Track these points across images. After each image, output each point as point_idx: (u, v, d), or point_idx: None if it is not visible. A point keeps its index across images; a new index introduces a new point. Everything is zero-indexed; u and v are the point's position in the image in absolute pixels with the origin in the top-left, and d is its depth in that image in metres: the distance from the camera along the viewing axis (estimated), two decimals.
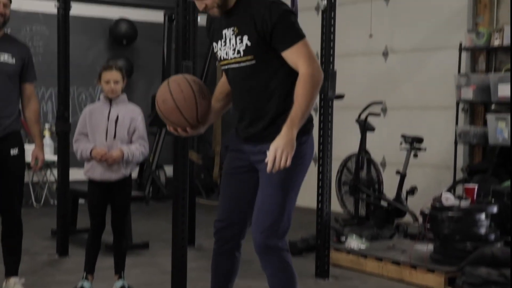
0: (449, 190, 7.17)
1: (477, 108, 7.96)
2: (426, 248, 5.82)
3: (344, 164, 7.95)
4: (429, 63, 8.41)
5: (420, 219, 6.36)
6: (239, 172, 3.68)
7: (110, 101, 5.07)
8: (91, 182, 5.10)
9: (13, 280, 5.05)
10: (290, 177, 3.53)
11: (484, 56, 7.83)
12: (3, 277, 5.10)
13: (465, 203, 5.66)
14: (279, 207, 3.53)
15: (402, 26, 8.71)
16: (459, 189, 7.31)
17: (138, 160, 5.15)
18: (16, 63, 4.90)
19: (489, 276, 5.15)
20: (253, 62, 3.50)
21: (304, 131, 3.53)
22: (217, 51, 3.66)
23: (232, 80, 3.64)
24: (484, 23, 7.83)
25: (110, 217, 5.12)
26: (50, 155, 8.69)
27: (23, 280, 5.12)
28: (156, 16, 9.75)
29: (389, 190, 7.50)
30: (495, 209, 5.69)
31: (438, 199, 5.76)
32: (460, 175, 7.82)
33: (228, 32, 3.55)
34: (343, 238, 6.42)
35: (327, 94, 5.58)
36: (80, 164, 5.25)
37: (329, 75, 5.52)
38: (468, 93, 7.61)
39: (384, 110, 8.78)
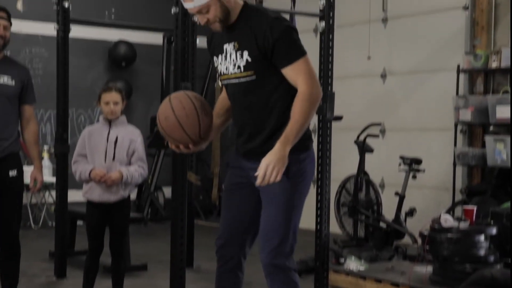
0: (448, 211, 7.16)
1: (475, 130, 7.97)
2: (425, 269, 5.80)
3: (343, 186, 7.95)
4: (427, 85, 8.44)
5: (419, 241, 6.34)
6: (239, 188, 3.68)
7: (109, 122, 5.07)
8: (90, 204, 5.09)
9: None
10: (293, 195, 3.52)
11: (482, 78, 7.85)
12: None
13: (464, 225, 5.65)
14: (284, 226, 3.52)
15: (400, 48, 8.74)
16: (458, 211, 7.30)
17: (137, 182, 5.14)
18: (16, 85, 4.92)
19: None
20: (253, 77, 3.50)
21: (303, 148, 3.54)
22: (217, 66, 3.66)
23: (232, 95, 3.64)
24: (482, 46, 7.86)
25: (108, 239, 5.11)
26: (48, 177, 8.68)
27: None
28: (155, 38, 9.79)
29: (388, 211, 7.49)
30: (494, 231, 5.68)
31: (437, 220, 5.75)
32: (459, 197, 7.82)
33: (228, 47, 3.55)
34: (342, 260, 6.40)
35: (326, 116, 5.59)
36: (78, 185, 5.25)
37: (328, 97, 5.53)
38: (466, 115, 7.63)
39: (383, 132, 8.79)
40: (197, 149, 3.64)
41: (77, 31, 6.77)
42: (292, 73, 3.44)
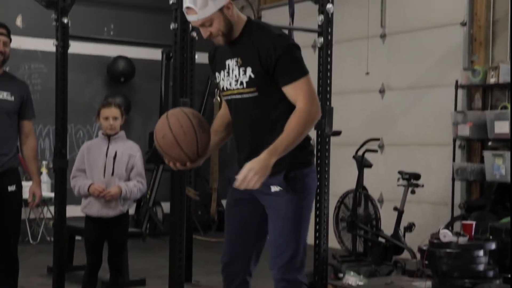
0: (447, 226, 7.16)
1: (474, 145, 7.98)
2: (425, 285, 5.80)
3: (341, 201, 7.94)
4: (426, 100, 8.45)
5: (418, 256, 6.34)
6: (242, 204, 3.65)
7: (108, 138, 5.08)
8: (88, 219, 5.10)
9: None
10: (300, 210, 3.51)
11: (480, 94, 7.87)
12: None
13: (463, 240, 5.64)
14: (293, 241, 3.50)
15: (399, 63, 8.76)
16: (457, 226, 7.29)
17: (136, 197, 5.15)
18: (15, 100, 4.93)
19: None
20: (256, 94, 3.49)
21: (306, 162, 3.54)
22: (219, 81, 3.64)
23: (234, 110, 3.62)
24: (480, 61, 7.88)
25: (107, 254, 5.10)
26: (47, 192, 8.68)
27: None
28: (154, 54, 9.81)
29: (387, 226, 7.49)
30: (493, 246, 5.68)
31: (436, 235, 5.75)
32: (457, 212, 7.81)
33: (231, 63, 3.54)
34: (340, 275, 6.39)
35: (324, 131, 5.60)
36: (77, 200, 5.25)
37: (326, 112, 5.55)
38: (465, 130, 7.65)
39: (381, 147, 8.80)
40: (194, 166, 3.61)
41: (76, 47, 6.79)
42: (293, 91, 3.43)
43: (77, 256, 7.17)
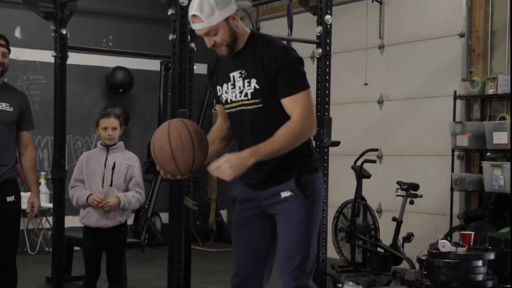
0: (445, 236, 7.15)
1: (473, 156, 7.99)
2: None
3: (340, 211, 7.94)
4: (424, 111, 8.46)
5: (417, 266, 6.34)
6: (251, 221, 3.62)
7: (107, 148, 5.08)
8: (87, 229, 5.09)
9: None
10: (311, 215, 3.50)
11: (479, 104, 7.89)
12: None
13: (462, 250, 5.65)
14: (304, 245, 3.48)
15: (397, 74, 8.78)
16: (456, 236, 7.30)
17: (134, 207, 5.15)
18: (14, 111, 4.94)
19: None
20: (260, 105, 3.48)
21: (314, 169, 3.55)
22: (221, 94, 3.61)
23: (238, 122, 3.59)
24: (478, 72, 7.90)
25: (105, 264, 5.10)
26: (45, 203, 8.66)
27: None
28: (152, 64, 9.83)
29: (386, 236, 7.48)
30: (492, 256, 5.68)
31: (434, 245, 5.75)
32: (456, 222, 7.81)
33: (235, 75, 3.53)
34: (339, 285, 6.38)
35: (323, 141, 5.60)
36: (75, 211, 5.25)
37: (325, 122, 5.55)
38: (464, 141, 7.66)
39: (380, 157, 8.80)
40: (184, 178, 3.59)
41: (74, 58, 6.80)
42: (290, 103, 3.42)
43: (75, 267, 7.16)
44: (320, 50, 5.61)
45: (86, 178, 5.08)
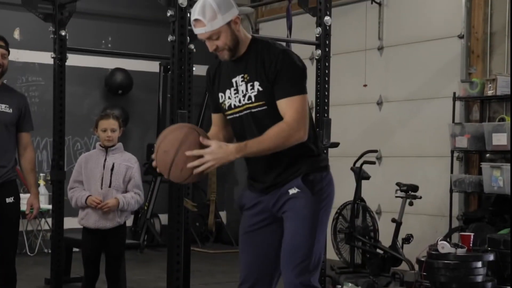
0: (445, 238, 7.15)
1: (472, 157, 7.99)
2: None
3: (339, 212, 7.94)
4: (423, 112, 8.47)
5: (416, 267, 6.34)
6: (260, 227, 3.61)
7: (106, 149, 5.08)
8: (86, 230, 5.09)
9: None
10: (318, 211, 3.49)
11: (478, 106, 7.89)
12: None
13: (461, 251, 5.65)
14: (308, 242, 3.47)
15: (396, 75, 8.78)
16: (455, 237, 7.30)
17: (133, 209, 5.15)
18: (13, 112, 4.94)
19: None
20: (265, 107, 3.48)
21: (323, 167, 3.56)
22: (223, 101, 3.59)
23: (244, 126, 3.56)
24: (477, 74, 7.91)
25: (104, 265, 5.09)
26: (44, 204, 8.66)
27: None
28: (152, 66, 9.82)
29: (385, 238, 7.49)
30: (491, 257, 5.68)
31: (434, 247, 5.75)
32: (455, 223, 7.82)
33: (238, 80, 3.53)
34: (339, 286, 6.38)
35: (322, 142, 5.60)
36: (74, 212, 5.24)
37: (324, 123, 5.55)
38: (463, 142, 7.66)
39: (379, 159, 8.80)
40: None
41: (73, 59, 6.79)
42: (284, 106, 3.41)
43: (74, 268, 7.16)
44: (319, 52, 5.61)
45: (85, 179, 5.08)
